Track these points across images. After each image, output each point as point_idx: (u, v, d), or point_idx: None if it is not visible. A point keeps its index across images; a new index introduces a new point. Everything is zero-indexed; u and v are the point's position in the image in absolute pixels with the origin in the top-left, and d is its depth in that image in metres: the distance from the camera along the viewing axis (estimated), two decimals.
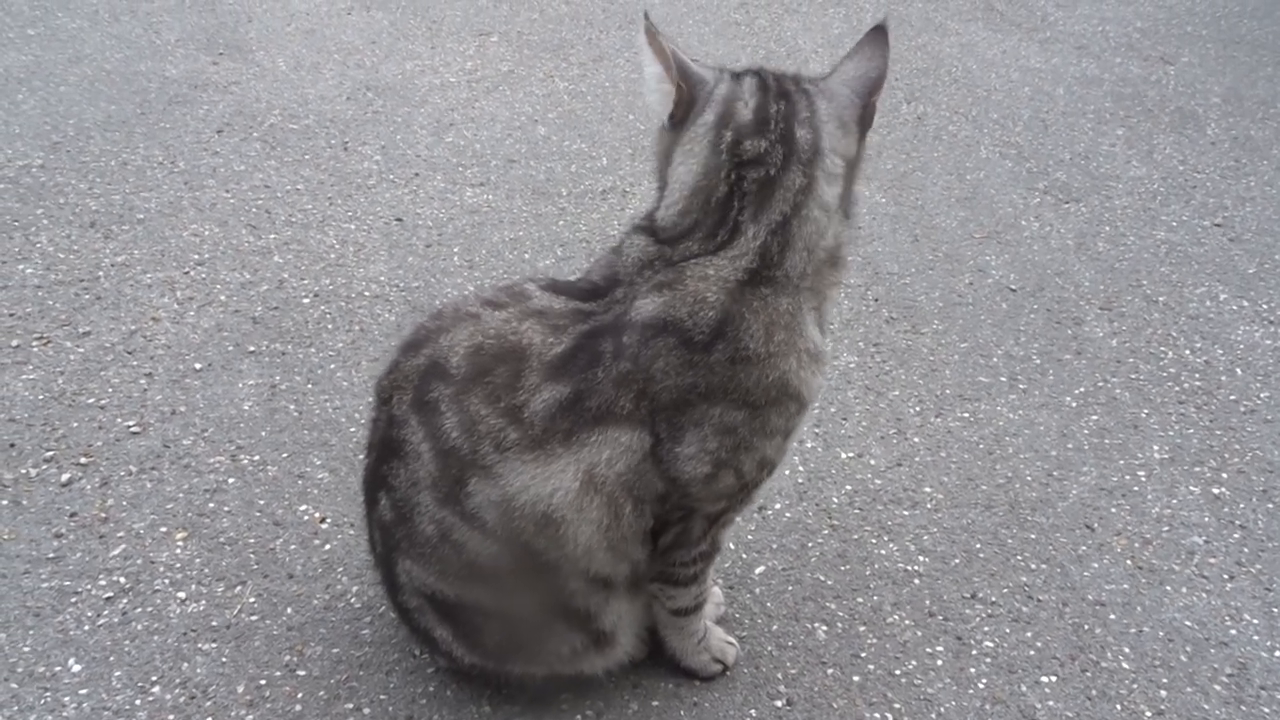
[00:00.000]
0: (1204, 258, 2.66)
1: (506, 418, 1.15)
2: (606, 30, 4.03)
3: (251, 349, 2.14)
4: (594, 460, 1.15)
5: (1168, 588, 1.70)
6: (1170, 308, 2.44)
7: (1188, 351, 2.29)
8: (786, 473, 1.89)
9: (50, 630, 1.50)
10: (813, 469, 1.91)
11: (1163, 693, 1.52)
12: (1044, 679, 1.53)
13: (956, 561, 1.73)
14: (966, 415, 2.06)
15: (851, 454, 1.95)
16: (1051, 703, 1.49)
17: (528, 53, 3.79)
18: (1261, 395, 2.16)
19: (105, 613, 1.54)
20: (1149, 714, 1.49)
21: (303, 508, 1.76)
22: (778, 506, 1.82)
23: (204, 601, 1.57)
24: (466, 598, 1.27)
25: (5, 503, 1.72)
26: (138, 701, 1.41)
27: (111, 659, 1.47)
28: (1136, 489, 1.90)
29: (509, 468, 1.15)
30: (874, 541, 1.77)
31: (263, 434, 1.91)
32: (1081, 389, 2.15)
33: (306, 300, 2.31)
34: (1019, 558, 1.75)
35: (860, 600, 1.65)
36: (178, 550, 1.65)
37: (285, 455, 1.87)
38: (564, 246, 2.57)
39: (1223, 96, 3.62)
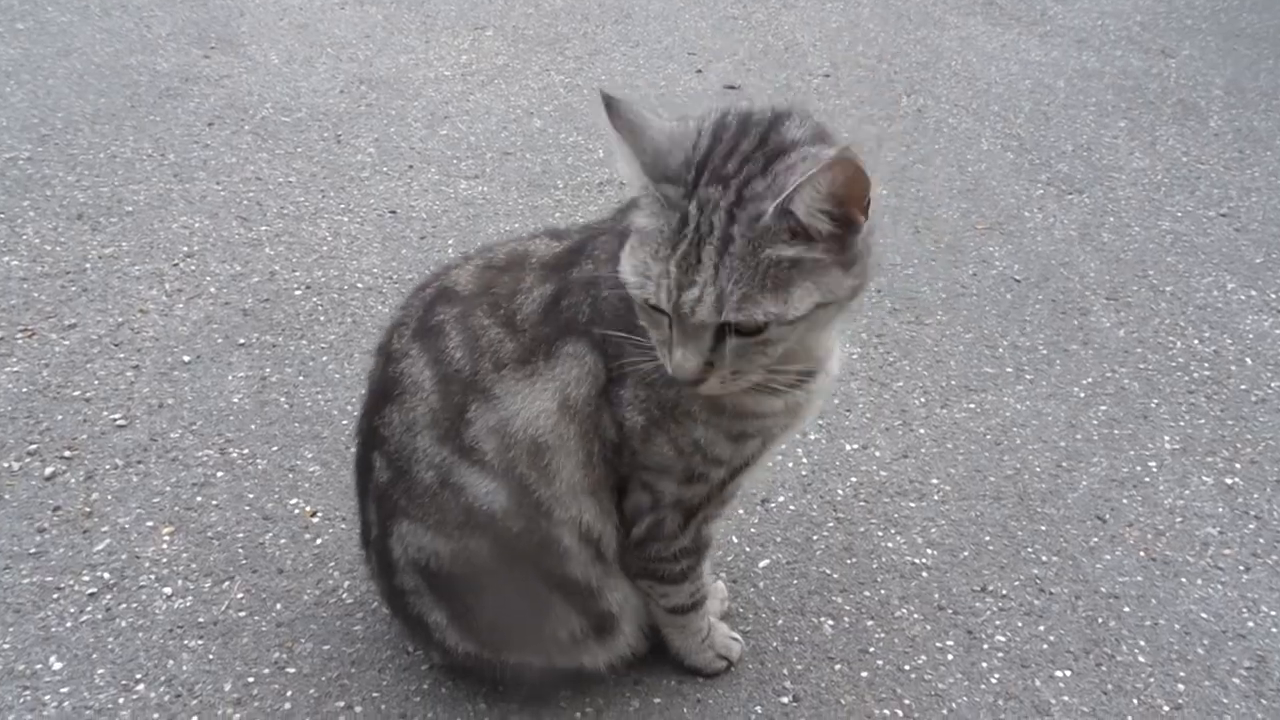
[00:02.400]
0: (1210, 248, 2.62)
1: (505, 327, 1.16)
2: (602, 25, 3.99)
3: (241, 341, 2.09)
4: (566, 379, 1.14)
5: (1183, 579, 1.66)
6: (1177, 297, 2.40)
7: (1196, 341, 2.25)
8: (790, 464, 1.85)
9: (31, 627, 1.45)
10: (816, 461, 1.86)
11: (1180, 686, 1.47)
12: (1058, 673, 1.49)
13: (965, 554, 1.69)
14: (973, 406, 2.02)
15: (856, 446, 1.91)
16: (1066, 697, 1.45)
17: (523, 47, 3.75)
18: (1272, 385, 2.12)
19: (88, 609, 1.49)
20: (1167, 708, 1.44)
21: (293, 501, 1.71)
22: (781, 499, 1.77)
23: (191, 597, 1.52)
24: (463, 557, 1.21)
25: None
26: (121, 700, 1.35)
27: (94, 656, 1.41)
28: (1148, 480, 1.86)
29: (505, 388, 1.14)
30: (880, 534, 1.72)
31: (252, 427, 1.86)
32: (1089, 379, 2.11)
33: (298, 292, 2.26)
34: (1029, 550, 1.70)
35: (867, 594, 1.61)
36: (164, 545, 1.60)
37: (275, 448, 1.82)
38: None
39: (1224, 89, 3.58)
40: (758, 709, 1.41)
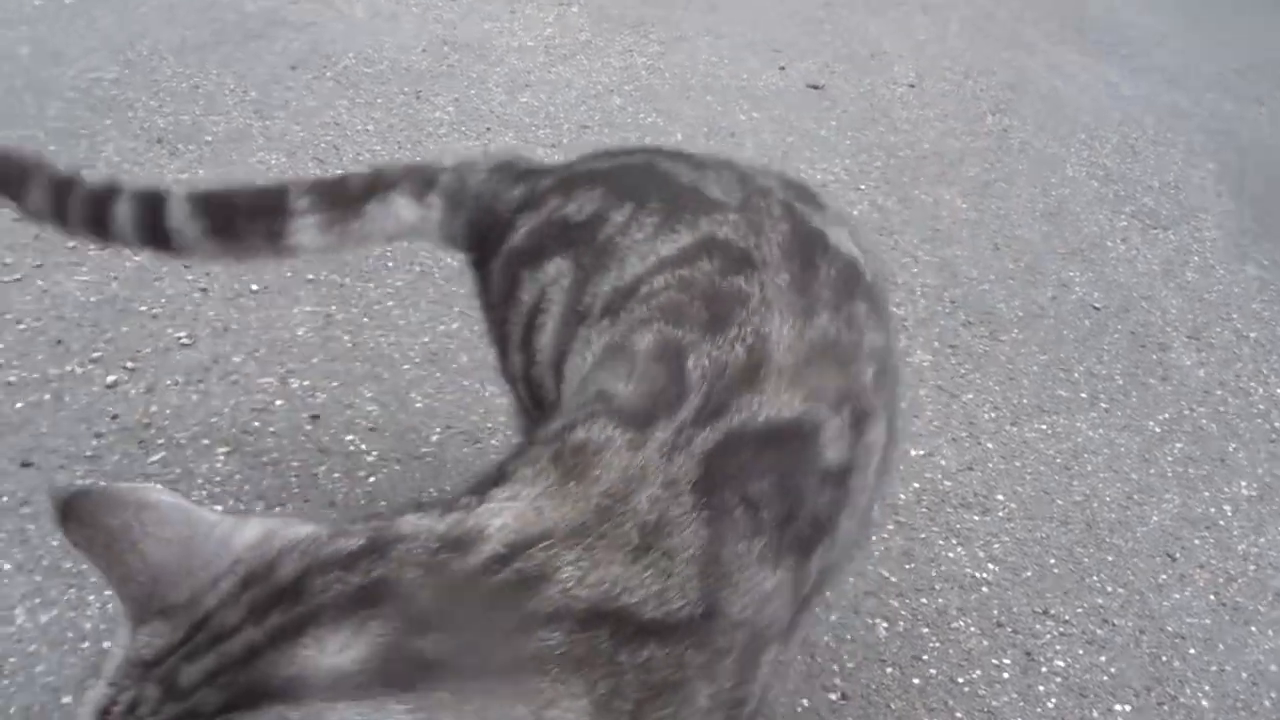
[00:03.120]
0: None
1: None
2: (688, 12, 3.95)
3: (310, 277, 2.07)
4: None
5: (1252, 628, 1.59)
6: (1261, 344, 2.32)
7: (1279, 390, 2.17)
8: None
9: None
10: None
11: None
12: (1118, 707, 1.43)
13: (1028, 574, 1.63)
14: (1044, 428, 1.96)
15: (921, 452, 1.86)
16: None
17: (607, 26, 3.72)
18: None
19: None
20: None
21: (349, 437, 1.69)
22: None
23: None
24: None
25: (48, 397, 1.66)
26: None
27: None
28: (1222, 523, 1.79)
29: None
30: (941, 543, 1.67)
31: (315, 361, 1.84)
32: (1166, 415, 2.05)
33: None
34: (1094, 578, 1.64)
35: (924, 601, 1.56)
36: (218, 464, 1.59)
37: (336, 384, 1.80)
38: None
39: None
40: (805, 702, 1.37)
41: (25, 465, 1.53)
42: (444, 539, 0.64)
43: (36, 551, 1.39)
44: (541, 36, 3.53)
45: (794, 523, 0.76)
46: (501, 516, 0.67)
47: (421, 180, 1.25)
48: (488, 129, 2.81)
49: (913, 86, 3.52)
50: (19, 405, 1.64)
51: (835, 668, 1.42)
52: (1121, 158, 3.19)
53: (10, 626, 1.29)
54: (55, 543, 1.41)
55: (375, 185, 1.26)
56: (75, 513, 0.65)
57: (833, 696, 1.38)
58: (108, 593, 1.35)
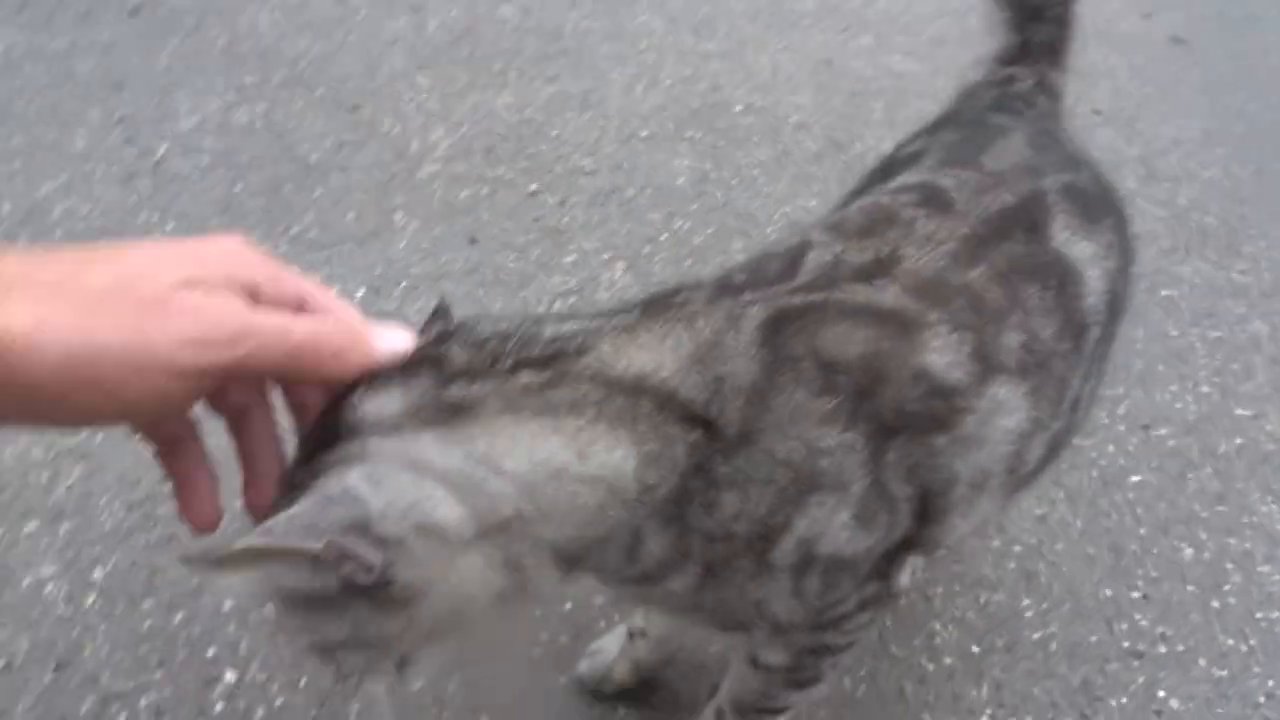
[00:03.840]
0: None
1: None
2: None
3: (688, 134, 2.30)
4: None
5: None
6: None
7: None
8: (1178, 405, 1.87)
9: (517, 301, 1.75)
10: (1204, 412, 1.87)
11: None
12: None
13: None
14: None
15: (1247, 412, 1.89)
16: None
17: None
18: None
19: (558, 302, 1.77)
20: None
21: None
22: (1163, 431, 1.81)
23: None
24: None
25: (485, 191, 1.99)
26: None
27: None
28: None
29: None
30: (1256, 496, 1.73)
31: (692, 208, 2.08)
32: None
33: (738, 109, 2.45)
34: None
35: (1231, 542, 1.64)
36: (617, 275, 1.86)
37: (710, 230, 2.03)
38: None
39: None
40: (1108, 591, 1.51)
41: (472, 242, 1.86)
42: (504, 336, 0.69)
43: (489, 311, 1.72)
44: None
45: (873, 399, 0.74)
46: (565, 325, 0.72)
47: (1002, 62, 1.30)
48: (847, 27, 2.92)
49: None
50: (463, 194, 1.98)
51: (1139, 571, 1.55)
52: None
53: None
54: (499, 304, 1.73)
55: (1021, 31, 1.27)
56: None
57: (1134, 594, 1.51)
58: None
